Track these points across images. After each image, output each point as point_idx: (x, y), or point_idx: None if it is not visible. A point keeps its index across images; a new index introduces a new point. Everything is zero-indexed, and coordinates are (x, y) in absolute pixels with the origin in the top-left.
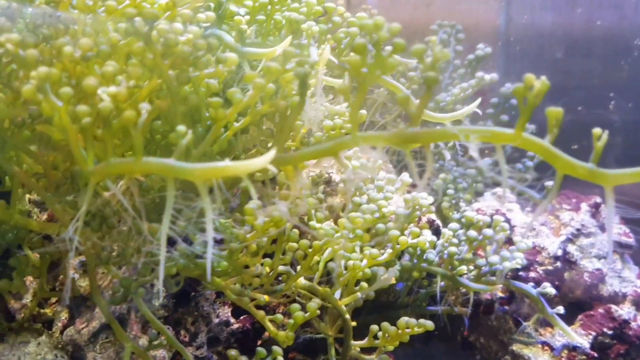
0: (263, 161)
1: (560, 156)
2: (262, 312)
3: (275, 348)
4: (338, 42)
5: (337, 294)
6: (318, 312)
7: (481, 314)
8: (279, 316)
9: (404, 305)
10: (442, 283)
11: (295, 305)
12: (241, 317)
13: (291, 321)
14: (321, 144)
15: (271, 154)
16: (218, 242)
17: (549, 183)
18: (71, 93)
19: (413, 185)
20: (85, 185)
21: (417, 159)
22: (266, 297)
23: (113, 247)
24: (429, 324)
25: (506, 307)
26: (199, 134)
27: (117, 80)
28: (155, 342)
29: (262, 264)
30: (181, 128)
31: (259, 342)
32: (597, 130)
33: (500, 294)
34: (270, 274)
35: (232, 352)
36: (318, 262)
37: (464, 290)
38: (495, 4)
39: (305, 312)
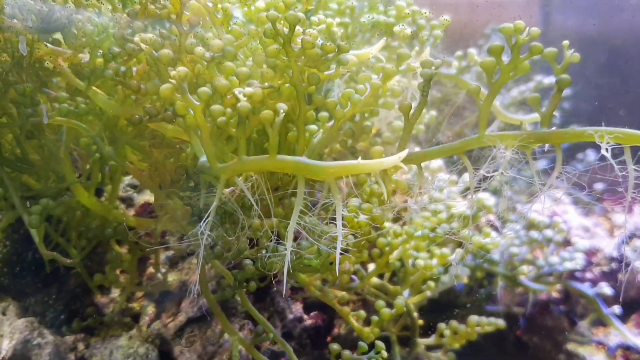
0: (396, 159)
1: None
2: (347, 309)
3: (378, 343)
4: (422, 44)
5: (406, 293)
6: (404, 309)
7: (537, 313)
8: (362, 312)
9: (463, 304)
10: (502, 283)
11: (381, 302)
12: (312, 313)
13: (375, 318)
14: (448, 143)
15: (404, 152)
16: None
17: (598, 186)
18: (210, 93)
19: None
20: (205, 182)
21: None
22: (345, 294)
23: (227, 241)
24: (501, 322)
25: (561, 307)
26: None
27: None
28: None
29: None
30: (313, 127)
31: (329, 338)
32: None
33: (554, 294)
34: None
35: (335, 346)
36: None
37: (518, 290)
38: (536, 9)
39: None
